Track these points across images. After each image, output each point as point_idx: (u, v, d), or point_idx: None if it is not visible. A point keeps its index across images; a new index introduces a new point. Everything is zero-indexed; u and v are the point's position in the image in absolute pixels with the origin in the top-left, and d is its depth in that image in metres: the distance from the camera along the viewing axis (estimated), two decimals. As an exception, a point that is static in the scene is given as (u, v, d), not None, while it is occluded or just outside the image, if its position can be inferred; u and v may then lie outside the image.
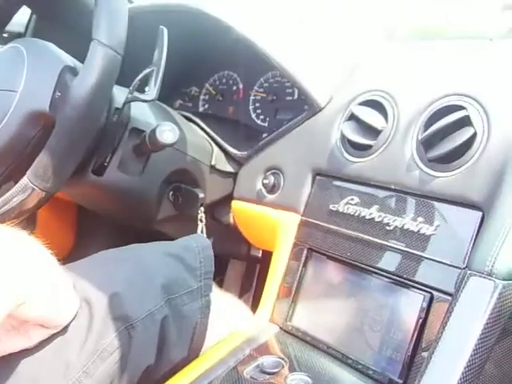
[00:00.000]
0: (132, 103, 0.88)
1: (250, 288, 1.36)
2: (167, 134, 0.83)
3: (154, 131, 0.84)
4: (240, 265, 1.37)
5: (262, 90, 1.17)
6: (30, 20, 1.30)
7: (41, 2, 1.06)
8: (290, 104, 1.11)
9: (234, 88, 1.22)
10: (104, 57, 0.72)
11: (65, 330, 0.64)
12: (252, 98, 1.18)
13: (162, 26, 0.83)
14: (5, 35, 1.24)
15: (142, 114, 0.92)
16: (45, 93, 0.77)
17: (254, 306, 0.97)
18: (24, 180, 0.72)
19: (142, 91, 0.86)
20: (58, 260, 0.62)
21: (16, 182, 0.80)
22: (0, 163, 0.80)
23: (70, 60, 0.83)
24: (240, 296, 1.34)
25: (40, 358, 0.62)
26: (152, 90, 0.80)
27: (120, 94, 0.86)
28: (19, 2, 0.98)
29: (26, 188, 0.72)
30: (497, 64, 0.84)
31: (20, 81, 0.80)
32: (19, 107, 0.78)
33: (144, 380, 0.70)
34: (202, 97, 1.28)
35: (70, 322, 0.64)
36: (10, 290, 0.53)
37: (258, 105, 1.17)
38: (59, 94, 0.76)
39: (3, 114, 0.78)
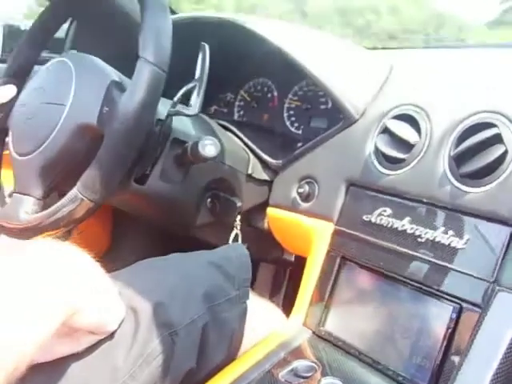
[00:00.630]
0: None
1: (281, 290, 1.39)
2: (209, 147, 0.87)
3: (196, 144, 0.87)
4: (270, 267, 1.40)
5: (296, 98, 1.19)
6: (70, 25, 1.35)
7: (87, 16, 1.09)
8: (324, 112, 1.13)
9: (269, 95, 1.25)
10: (150, 75, 0.75)
11: (112, 335, 0.67)
12: (286, 105, 1.21)
13: (203, 43, 0.86)
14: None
15: (183, 125, 0.95)
16: (93, 107, 0.81)
17: (285, 308, 1.00)
18: (74, 191, 0.76)
19: (183, 103, 0.89)
20: (97, 257, 0.66)
21: (60, 193, 0.84)
22: (48, 174, 0.84)
23: (115, 74, 0.86)
24: (270, 298, 1.37)
25: (88, 362, 0.66)
26: (195, 105, 0.84)
27: (162, 106, 0.90)
28: (65, 16, 1.02)
29: (76, 199, 0.75)
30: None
31: (68, 95, 0.83)
32: (68, 120, 0.82)
33: (185, 382, 0.73)
34: (237, 103, 1.31)
35: (117, 328, 0.68)
36: (63, 301, 0.57)
37: (292, 112, 1.20)
38: (107, 108, 0.79)
39: (52, 127, 0.82)
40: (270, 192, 1.09)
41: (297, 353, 0.83)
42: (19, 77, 0.99)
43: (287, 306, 1.00)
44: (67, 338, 0.64)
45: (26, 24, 1.68)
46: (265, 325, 0.90)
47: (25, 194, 0.84)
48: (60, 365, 0.65)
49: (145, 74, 0.75)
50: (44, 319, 0.54)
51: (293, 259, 1.20)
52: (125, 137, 0.75)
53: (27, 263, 0.57)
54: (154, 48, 0.77)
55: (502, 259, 0.70)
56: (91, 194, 0.75)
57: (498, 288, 0.65)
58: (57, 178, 0.85)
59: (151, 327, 0.69)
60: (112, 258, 1.33)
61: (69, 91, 0.83)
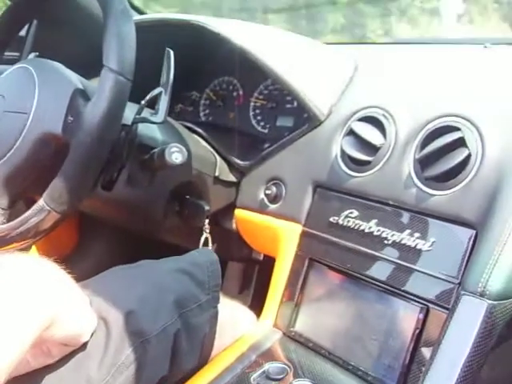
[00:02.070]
0: None
1: (249, 288, 1.40)
2: (176, 155, 0.86)
3: (162, 152, 0.87)
4: (238, 266, 1.40)
5: (262, 96, 1.19)
6: (30, 25, 1.32)
7: (49, 17, 1.07)
8: (289, 111, 1.14)
9: (235, 94, 1.25)
10: (115, 84, 0.74)
11: (84, 346, 0.67)
12: (252, 104, 1.20)
13: (168, 49, 0.85)
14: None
15: (149, 130, 0.94)
16: (57, 116, 0.79)
17: (254, 306, 1.01)
18: (40, 202, 0.75)
19: (149, 106, 0.88)
20: (63, 258, 0.65)
21: (27, 202, 0.83)
22: (14, 182, 0.82)
23: (79, 81, 0.84)
24: (239, 296, 1.37)
25: (61, 373, 0.66)
26: (161, 113, 0.83)
27: (127, 110, 0.88)
28: (27, 17, 1.00)
29: (43, 210, 0.74)
30: (490, 78, 0.88)
31: (32, 103, 0.81)
32: (32, 129, 0.80)
33: None
34: (202, 101, 1.30)
35: (89, 339, 0.68)
36: (38, 314, 0.56)
37: (258, 111, 1.20)
38: (71, 118, 0.77)
39: (16, 136, 0.80)
40: (237, 193, 1.09)
41: (268, 355, 0.84)
42: None
43: (256, 304, 1.01)
44: (37, 349, 0.63)
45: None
46: (235, 327, 0.90)
47: (-11, 205, 0.82)
48: (33, 378, 0.65)
49: (109, 83, 0.74)
50: (19, 335, 0.54)
51: (261, 258, 1.21)
52: (90, 148, 0.74)
53: None
54: (118, 56, 0.76)
55: (467, 261, 0.72)
56: (58, 206, 0.74)
57: (462, 292, 0.66)
58: (22, 187, 0.83)
59: (123, 336, 0.69)
60: (79, 259, 1.32)
61: (32, 99, 0.81)
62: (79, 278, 0.75)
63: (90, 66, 0.96)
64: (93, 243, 1.36)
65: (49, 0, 0.96)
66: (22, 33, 1.33)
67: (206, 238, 1.03)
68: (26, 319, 0.55)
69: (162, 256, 0.87)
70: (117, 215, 1.03)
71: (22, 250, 0.82)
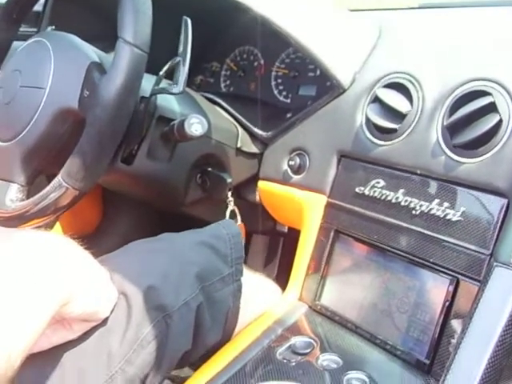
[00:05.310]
0: None
1: (274, 261, 1.39)
2: (196, 126, 0.84)
3: (182, 123, 0.85)
4: (263, 238, 1.39)
5: (283, 65, 1.16)
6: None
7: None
8: (312, 80, 1.10)
9: (255, 64, 1.22)
10: (131, 56, 0.73)
11: (105, 321, 0.67)
12: (274, 73, 1.18)
13: (185, 17, 0.83)
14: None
15: (168, 101, 0.93)
16: (73, 90, 0.78)
17: (280, 279, 1.00)
18: (58, 179, 0.74)
19: (168, 77, 0.87)
20: (87, 234, 0.65)
21: (48, 177, 0.82)
22: (32, 159, 0.82)
23: (95, 54, 0.83)
24: (264, 269, 1.37)
25: (83, 348, 0.66)
26: (180, 83, 0.81)
27: (146, 82, 0.87)
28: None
29: (61, 187, 0.74)
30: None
31: (48, 77, 0.81)
32: (48, 104, 0.80)
33: (181, 364, 0.74)
34: (223, 72, 1.28)
35: (110, 314, 0.67)
36: (55, 292, 0.56)
37: (279, 81, 1.17)
38: (87, 92, 0.76)
39: (33, 111, 0.80)
40: (260, 165, 1.07)
41: (294, 329, 0.83)
42: None
43: (282, 277, 1.00)
44: (58, 324, 0.63)
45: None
46: (260, 301, 0.89)
47: (8, 181, 0.82)
48: (54, 354, 0.65)
49: (125, 55, 0.73)
50: (37, 313, 0.53)
51: (286, 230, 1.19)
52: (107, 123, 0.72)
53: (15, 254, 0.56)
54: (133, 28, 0.74)
55: (498, 231, 0.69)
56: (75, 183, 0.73)
57: (495, 264, 0.64)
58: (41, 163, 0.83)
59: (144, 311, 0.69)
60: (103, 235, 1.32)
61: (47, 74, 0.81)
62: (104, 255, 0.74)
63: (108, 39, 0.94)
64: (117, 219, 1.37)
65: None
66: (39, 8, 1.32)
67: (233, 211, 1.02)
68: (43, 296, 0.54)
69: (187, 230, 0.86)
70: (138, 189, 1.02)
71: (43, 226, 0.82)
